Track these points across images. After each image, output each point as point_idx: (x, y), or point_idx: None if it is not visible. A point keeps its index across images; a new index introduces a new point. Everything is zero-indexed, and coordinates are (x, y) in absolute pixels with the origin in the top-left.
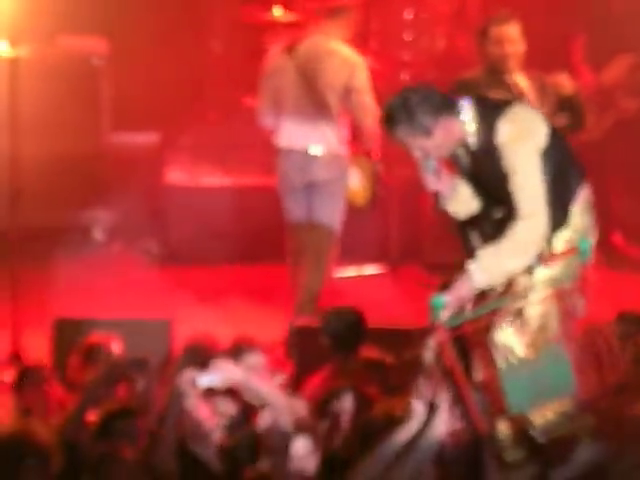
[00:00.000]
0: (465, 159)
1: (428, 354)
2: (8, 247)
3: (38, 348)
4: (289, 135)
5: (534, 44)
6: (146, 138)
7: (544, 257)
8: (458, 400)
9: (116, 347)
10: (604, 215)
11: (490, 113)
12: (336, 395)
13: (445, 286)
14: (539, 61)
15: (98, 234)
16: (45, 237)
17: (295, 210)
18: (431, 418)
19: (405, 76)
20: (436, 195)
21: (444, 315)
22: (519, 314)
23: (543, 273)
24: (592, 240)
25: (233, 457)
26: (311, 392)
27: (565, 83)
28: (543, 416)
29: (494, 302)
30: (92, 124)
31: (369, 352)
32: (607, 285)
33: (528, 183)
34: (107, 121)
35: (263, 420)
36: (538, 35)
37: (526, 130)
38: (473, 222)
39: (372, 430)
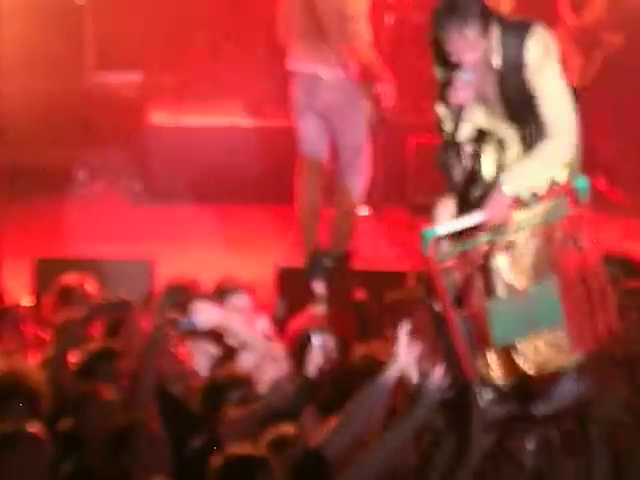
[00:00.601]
0: (483, 79)
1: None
2: None
3: (19, 287)
4: (297, 58)
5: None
6: (130, 77)
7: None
8: (445, 341)
9: (90, 288)
10: (588, 160)
11: (516, 32)
12: (308, 337)
13: None
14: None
15: (81, 173)
16: (27, 175)
17: (308, 141)
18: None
19: (389, 19)
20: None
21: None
22: (511, 247)
23: (538, 208)
24: (587, 179)
25: (213, 398)
26: (293, 333)
27: None
28: (534, 347)
29: (485, 235)
30: (76, 63)
31: (357, 294)
32: (591, 229)
33: (560, 102)
34: (91, 60)
35: (243, 362)
36: None
37: (554, 50)
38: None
39: (352, 374)
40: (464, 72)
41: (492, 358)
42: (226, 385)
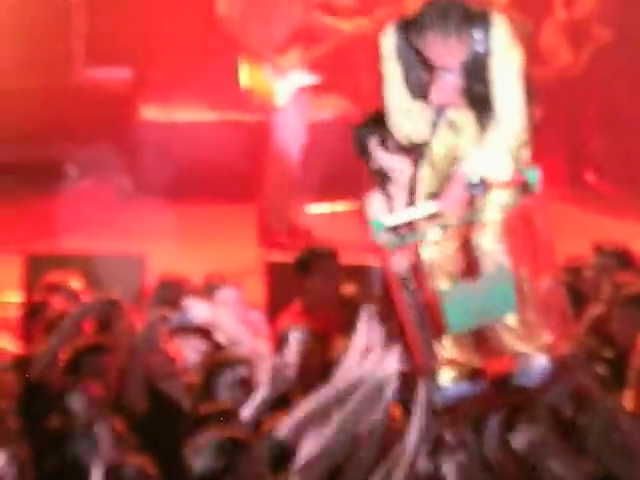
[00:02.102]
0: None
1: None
2: None
3: (9, 284)
4: None
5: None
6: (119, 73)
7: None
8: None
9: (76, 285)
10: (579, 153)
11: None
12: (287, 333)
13: None
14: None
15: (70, 169)
16: (17, 172)
17: None
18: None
19: None
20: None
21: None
22: (464, 235)
23: (492, 198)
24: (538, 172)
25: (200, 396)
26: (276, 329)
27: None
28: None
29: (435, 224)
30: (66, 59)
31: (345, 289)
32: (580, 221)
33: (512, 90)
34: (81, 56)
35: None
36: None
37: (510, 35)
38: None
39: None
40: (449, 73)
41: (449, 341)
42: (221, 365)
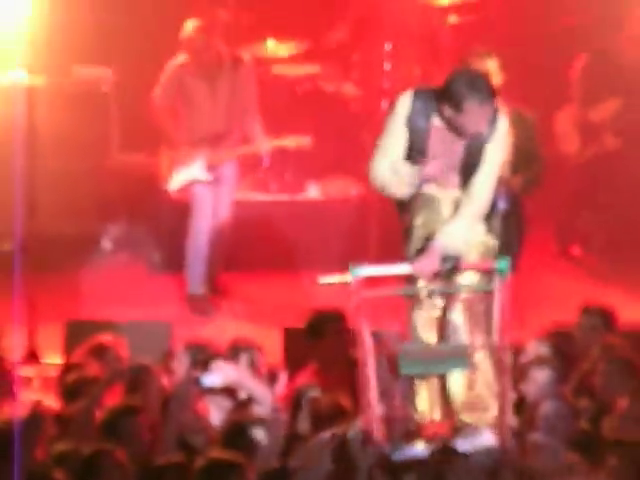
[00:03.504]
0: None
1: None
2: (26, 253)
3: (51, 347)
4: None
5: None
6: (151, 157)
7: (464, 262)
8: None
9: (123, 350)
10: (566, 230)
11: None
12: (300, 395)
13: None
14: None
15: (108, 244)
16: (59, 245)
17: None
18: None
19: (385, 103)
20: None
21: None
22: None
23: (465, 279)
24: (508, 260)
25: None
26: (290, 390)
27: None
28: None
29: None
30: (102, 144)
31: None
32: (567, 289)
33: (492, 173)
34: (116, 141)
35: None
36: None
37: (507, 134)
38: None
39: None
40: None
41: (423, 395)
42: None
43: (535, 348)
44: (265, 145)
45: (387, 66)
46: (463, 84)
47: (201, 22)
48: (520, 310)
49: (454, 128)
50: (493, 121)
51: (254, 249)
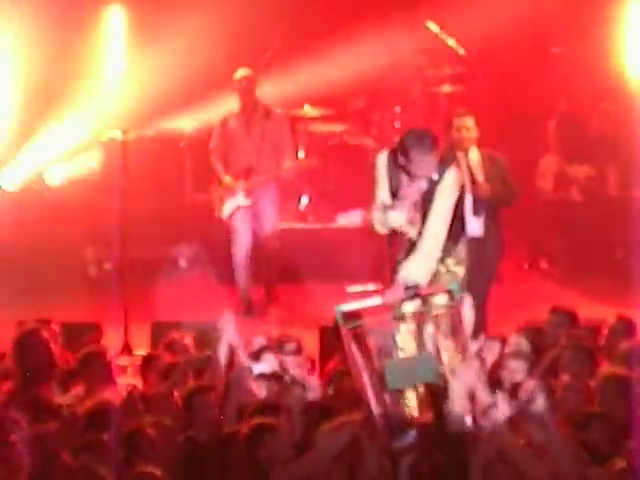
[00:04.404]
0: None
1: None
2: (122, 272)
3: (142, 342)
4: None
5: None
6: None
7: (422, 287)
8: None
9: (188, 341)
10: (535, 245)
11: (445, 162)
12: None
13: None
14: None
15: (183, 263)
16: (147, 265)
17: None
18: None
19: None
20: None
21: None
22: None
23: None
24: (458, 284)
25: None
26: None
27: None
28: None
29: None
30: (179, 187)
31: None
32: (537, 296)
33: (443, 214)
34: (190, 185)
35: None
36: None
37: (455, 182)
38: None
39: None
40: (422, 181)
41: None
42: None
43: (515, 341)
44: (288, 172)
45: (397, 124)
46: (410, 138)
47: (250, 72)
48: (502, 311)
49: (407, 173)
50: (442, 171)
51: (295, 266)
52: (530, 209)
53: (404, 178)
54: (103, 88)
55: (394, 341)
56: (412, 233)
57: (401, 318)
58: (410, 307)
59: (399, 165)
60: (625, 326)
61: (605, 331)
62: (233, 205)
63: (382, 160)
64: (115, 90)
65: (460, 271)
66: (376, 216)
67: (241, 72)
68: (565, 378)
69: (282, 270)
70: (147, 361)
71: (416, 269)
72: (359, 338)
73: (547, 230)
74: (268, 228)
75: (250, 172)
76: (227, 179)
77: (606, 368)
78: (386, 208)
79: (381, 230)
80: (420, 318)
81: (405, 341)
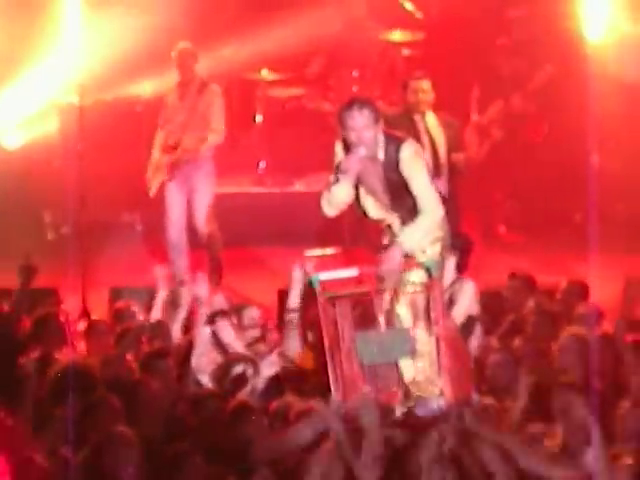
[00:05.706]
0: (371, 171)
1: None
2: (79, 236)
3: (99, 307)
4: None
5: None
6: None
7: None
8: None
9: (136, 310)
10: (493, 212)
11: (395, 139)
12: None
13: None
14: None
15: (138, 227)
16: (105, 230)
17: None
18: None
19: None
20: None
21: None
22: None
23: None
24: (436, 261)
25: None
26: None
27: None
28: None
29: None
30: (136, 151)
31: None
32: (494, 261)
33: (428, 189)
34: (147, 149)
35: None
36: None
37: (421, 155)
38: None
39: None
40: (361, 148)
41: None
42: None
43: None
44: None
45: (355, 88)
46: (345, 106)
47: (189, 45)
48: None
49: (346, 145)
50: (397, 149)
51: (253, 230)
52: (487, 176)
53: (364, 163)
54: (60, 52)
55: (373, 314)
56: (388, 218)
57: (383, 291)
58: (416, 277)
59: (343, 139)
60: (578, 289)
61: (559, 295)
62: (158, 181)
63: (339, 146)
64: (72, 53)
65: (435, 249)
66: (324, 197)
67: (180, 45)
68: (529, 326)
69: (240, 235)
70: (90, 328)
71: (415, 239)
72: (335, 308)
73: (505, 197)
74: (200, 209)
75: (176, 147)
76: (155, 154)
77: (568, 330)
78: (330, 185)
79: (330, 211)
80: (397, 293)
81: (386, 314)
